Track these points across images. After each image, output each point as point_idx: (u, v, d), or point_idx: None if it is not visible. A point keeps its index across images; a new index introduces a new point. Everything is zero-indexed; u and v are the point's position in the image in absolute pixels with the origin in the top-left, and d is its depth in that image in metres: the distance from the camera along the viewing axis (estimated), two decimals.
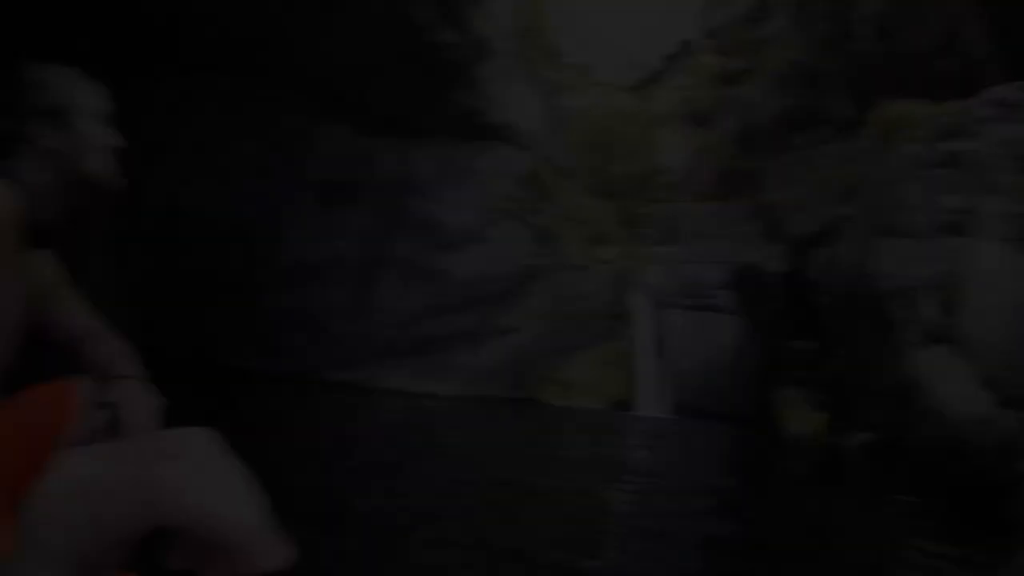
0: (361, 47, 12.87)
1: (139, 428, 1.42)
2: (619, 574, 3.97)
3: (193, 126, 13.61)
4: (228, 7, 11.82)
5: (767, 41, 20.02)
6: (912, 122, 11.07)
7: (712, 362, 18.13)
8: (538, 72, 21.21)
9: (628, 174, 32.63)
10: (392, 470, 6.19)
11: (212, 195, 13.88)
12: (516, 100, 17.48)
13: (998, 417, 6.23)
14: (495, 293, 16.12)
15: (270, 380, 13.37)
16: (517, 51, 19.05)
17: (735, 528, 5.40)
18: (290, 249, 14.66)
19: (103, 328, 1.57)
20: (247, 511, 1.38)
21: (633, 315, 18.99)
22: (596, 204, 22.29)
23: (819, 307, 13.65)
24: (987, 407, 6.47)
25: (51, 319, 1.52)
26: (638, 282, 19.63)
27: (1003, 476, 5.77)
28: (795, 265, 15.55)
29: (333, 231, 14.85)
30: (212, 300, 14.02)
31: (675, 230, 26.04)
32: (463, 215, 15.88)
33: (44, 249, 1.49)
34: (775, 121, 17.42)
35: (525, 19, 21.33)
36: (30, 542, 1.23)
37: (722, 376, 17.88)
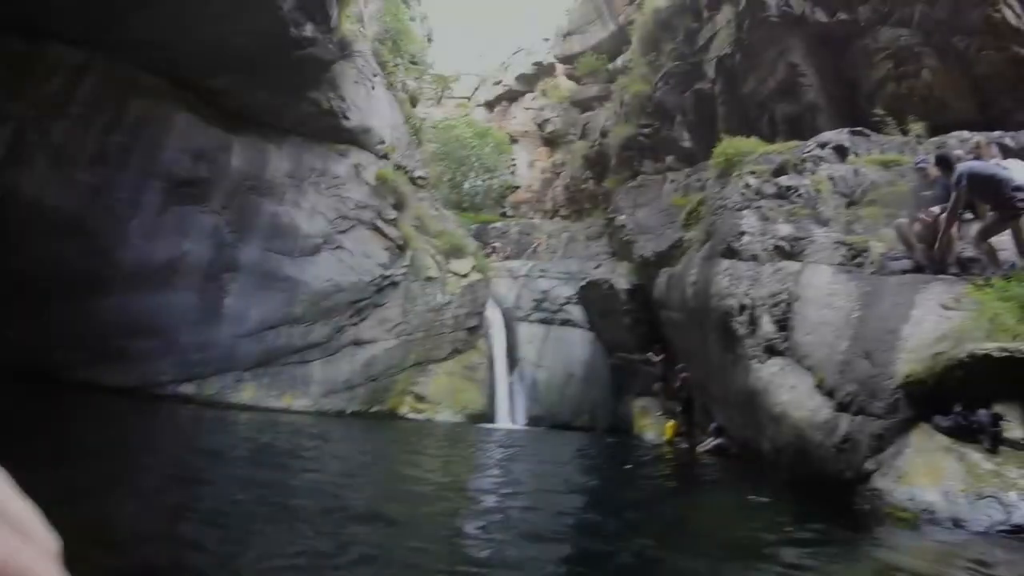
0: (219, 31, 11.94)
1: None
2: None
3: (28, 100, 11.84)
4: None
5: (620, 72, 20.92)
6: (751, 157, 11.95)
7: (566, 374, 18.67)
8: (399, 80, 20.95)
9: (482, 189, 33.09)
10: (239, 486, 5.76)
11: (44, 182, 12.01)
12: (375, 106, 17.13)
13: (836, 420, 6.69)
14: (349, 304, 15.61)
15: (108, 392, 12.00)
16: (380, 56, 18.75)
17: (600, 531, 5.48)
18: (132, 248, 12.96)
19: None
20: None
21: (487, 328, 19.19)
22: (451, 217, 22.31)
23: (664, 323, 14.36)
24: (826, 412, 6.92)
25: None
26: (492, 296, 19.90)
27: (847, 473, 6.24)
28: (641, 283, 16.31)
29: (180, 230, 13.48)
30: (44, 302, 12.23)
31: (528, 246, 26.71)
32: (317, 221, 15.26)
33: None
34: (624, 147, 18.18)
35: (389, 25, 21.05)
36: None
37: (576, 388, 18.47)
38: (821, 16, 13.20)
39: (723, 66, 14.76)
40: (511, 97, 37.80)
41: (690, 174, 15.38)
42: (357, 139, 16.24)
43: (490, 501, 6.25)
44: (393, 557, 3.92)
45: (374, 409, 15.75)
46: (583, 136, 21.46)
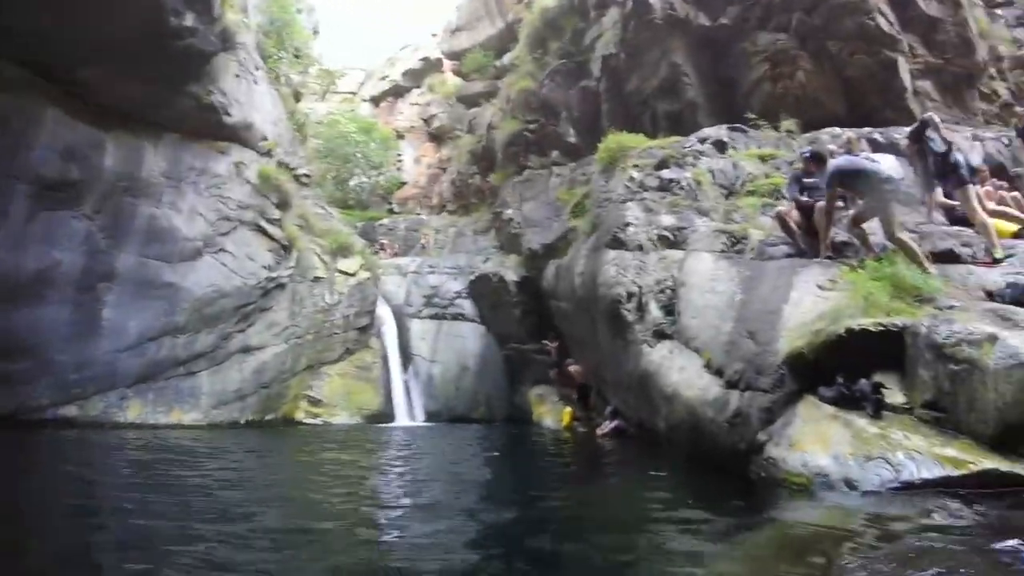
0: (90, 18, 10.95)
1: None
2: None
3: None
4: None
5: (507, 69, 20.98)
6: (634, 152, 12.30)
7: (460, 368, 18.61)
8: (283, 74, 20.15)
9: (369, 186, 32.39)
10: (129, 512, 5.33)
11: None
12: (258, 100, 16.32)
13: (726, 396, 7.02)
14: (234, 309, 14.82)
15: None
16: (263, 49, 17.95)
17: (506, 515, 5.53)
18: None
19: None
20: None
21: (379, 327, 18.81)
22: (336, 215, 21.71)
23: (554, 313, 14.54)
24: (716, 389, 7.25)
25: None
26: (381, 293, 19.53)
27: (741, 445, 6.55)
28: (530, 275, 16.47)
29: (50, 238, 12.17)
30: None
31: (416, 242, 26.41)
32: (197, 223, 14.37)
33: None
34: (510, 142, 18.27)
35: (274, 16, 20.18)
36: None
37: (471, 381, 18.45)
38: (703, 20, 13.84)
39: (608, 65, 15.10)
40: (397, 92, 37.14)
41: (575, 168, 15.68)
42: (238, 136, 15.39)
43: (397, 505, 6.06)
44: None
45: (268, 417, 15.13)
46: (470, 132, 21.42)
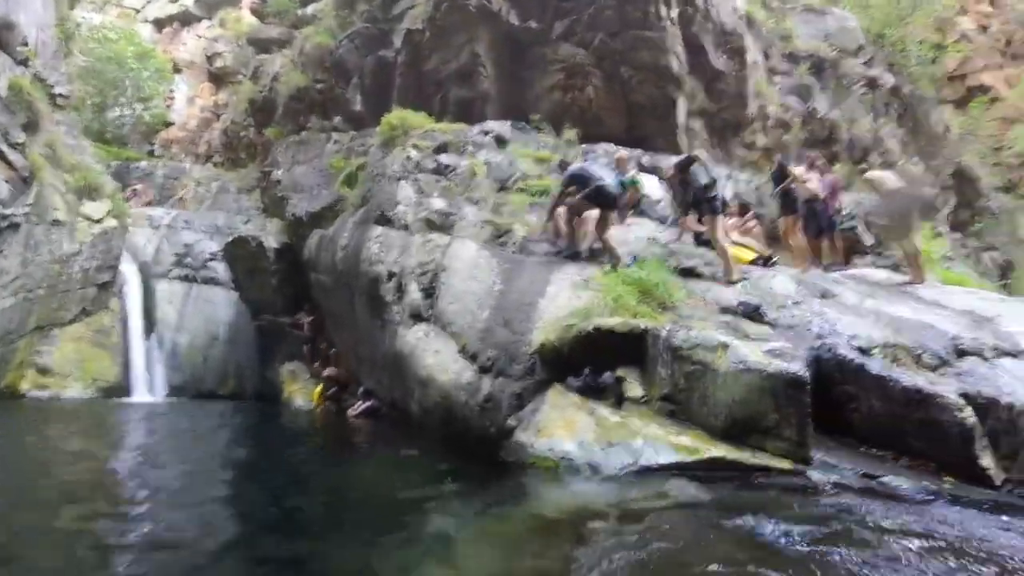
0: None
1: None
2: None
3: None
4: None
5: (308, 20, 19.40)
6: (417, 131, 11.96)
7: (209, 338, 16.75)
8: None
9: (132, 120, 28.27)
10: None
11: None
12: None
13: (479, 382, 7.15)
14: None
15: None
16: None
17: (257, 497, 5.56)
18: None
19: None
20: None
21: (121, 285, 16.26)
22: (89, 148, 18.55)
23: (312, 285, 13.52)
24: (469, 374, 7.33)
25: None
26: (128, 247, 16.91)
27: (491, 429, 6.70)
28: (291, 242, 15.17)
29: None
30: None
31: (174, 192, 23.47)
32: None
33: None
34: (294, 97, 16.82)
35: None
36: None
37: (220, 353, 16.63)
38: (514, 18, 13.71)
39: (411, 39, 14.45)
40: (185, 20, 32.46)
41: (355, 138, 14.74)
42: None
43: (133, 500, 5.42)
44: None
45: None
46: (253, 79, 19.21)
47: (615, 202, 8.44)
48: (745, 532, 3.77)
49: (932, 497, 4.69)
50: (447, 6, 13.71)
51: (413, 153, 11.29)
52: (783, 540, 3.62)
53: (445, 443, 7.60)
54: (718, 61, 14.27)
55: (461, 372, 7.42)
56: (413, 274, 9.20)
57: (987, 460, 5.13)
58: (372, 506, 5.28)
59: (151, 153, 27.84)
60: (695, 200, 8.72)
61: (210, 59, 30.10)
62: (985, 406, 5.31)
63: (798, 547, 3.51)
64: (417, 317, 8.80)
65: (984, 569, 3.31)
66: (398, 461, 7.51)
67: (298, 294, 15.05)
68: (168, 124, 29.05)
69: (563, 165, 9.44)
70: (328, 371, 13.40)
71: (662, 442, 5.32)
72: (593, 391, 6.05)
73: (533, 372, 6.63)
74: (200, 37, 31.13)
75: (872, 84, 18.15)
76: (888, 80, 18.61)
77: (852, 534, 3.72)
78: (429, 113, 13.00)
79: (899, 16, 20.24)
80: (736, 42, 14.51)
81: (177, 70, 30.10)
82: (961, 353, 6.16)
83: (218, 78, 29.61)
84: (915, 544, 3.57)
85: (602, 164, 9.85)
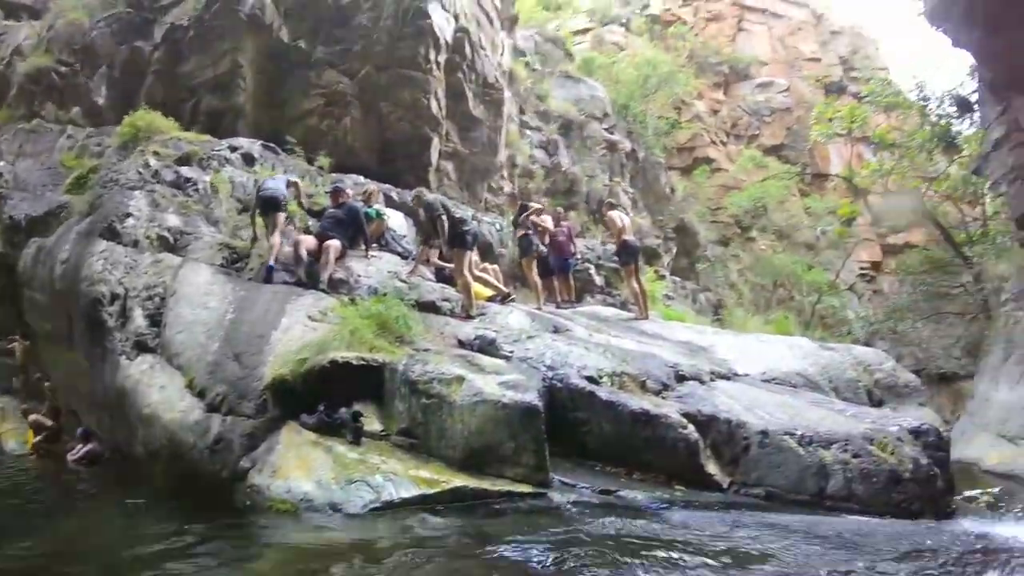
0: None
1: None
2: None
3: None
4: None
5: None
6: (161, 137, 10.86)
7: None
8: None
9: None
10: None
11: None
12: None
13: (208, 421, 6.48)
14: None
15: None
16: None
17: None
18: None
19: None
20: None
21: None
22: None
23: (27, 304, 11.28)
24: (197, 412, 6.60)
25: None
26: None
27: (223, 472, 6.09)
28: (6, 251, 12.67)
29: None
30: None
31: None
32: None
33: None
34: (33, 78, 14.27)
35: None
36: None
37: None
38: (284, 35, 13.10)
39: (173, 36, 13.06)
40: None
41: (92, 135, 12.80)
42: None
43: None
44: None
45: None
46: None
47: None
48: (491, 560, 3.79)
49: (666, 505, 5.08)
50: (218, 8, 12.70)
51: (153, 161, 10.06)
52: (530, 564, 3.67)
53: (175, 489, 6.78)
54: (476, 109, 14.84)
55: (189, 410, 6.67)
56: (139, 297, 8.09)
57: (712, 467, 5.67)
58: (101, 565, 4.70)
59: None
60: (449, 236, 8.71)
61: None
62: (706, 422, 5.86)
63: (544, 568, 3.58)
64: (142, 347, 7.72)
65: (727, 560, 3.60)
66: (127, 511, 6.56)
67: (12, 314, 12.47)
68: None
69: (337, 192, 9.49)
70: (32, 417, 11.22)
71: (403, 476, 5.26)
72: (329, 427, 5.79)
73: (265, 409, 6.21)
74: None
75: (612, 147, 20.20)
76: (627, 145, 20.88)
77: (595, 546, 3.86)
78: (178, 119, 11.85)
79: (644, 93, 22.90)
80: (496, 95, 15.22)
81: None
82: (681, 378, 6.78)
83: None
84: (659, 551, 3.77)
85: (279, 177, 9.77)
